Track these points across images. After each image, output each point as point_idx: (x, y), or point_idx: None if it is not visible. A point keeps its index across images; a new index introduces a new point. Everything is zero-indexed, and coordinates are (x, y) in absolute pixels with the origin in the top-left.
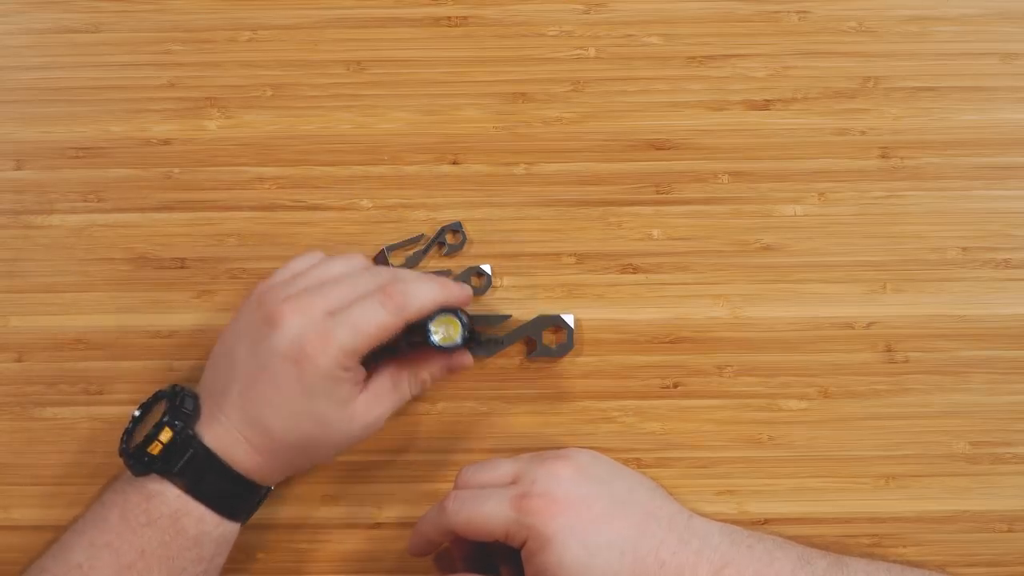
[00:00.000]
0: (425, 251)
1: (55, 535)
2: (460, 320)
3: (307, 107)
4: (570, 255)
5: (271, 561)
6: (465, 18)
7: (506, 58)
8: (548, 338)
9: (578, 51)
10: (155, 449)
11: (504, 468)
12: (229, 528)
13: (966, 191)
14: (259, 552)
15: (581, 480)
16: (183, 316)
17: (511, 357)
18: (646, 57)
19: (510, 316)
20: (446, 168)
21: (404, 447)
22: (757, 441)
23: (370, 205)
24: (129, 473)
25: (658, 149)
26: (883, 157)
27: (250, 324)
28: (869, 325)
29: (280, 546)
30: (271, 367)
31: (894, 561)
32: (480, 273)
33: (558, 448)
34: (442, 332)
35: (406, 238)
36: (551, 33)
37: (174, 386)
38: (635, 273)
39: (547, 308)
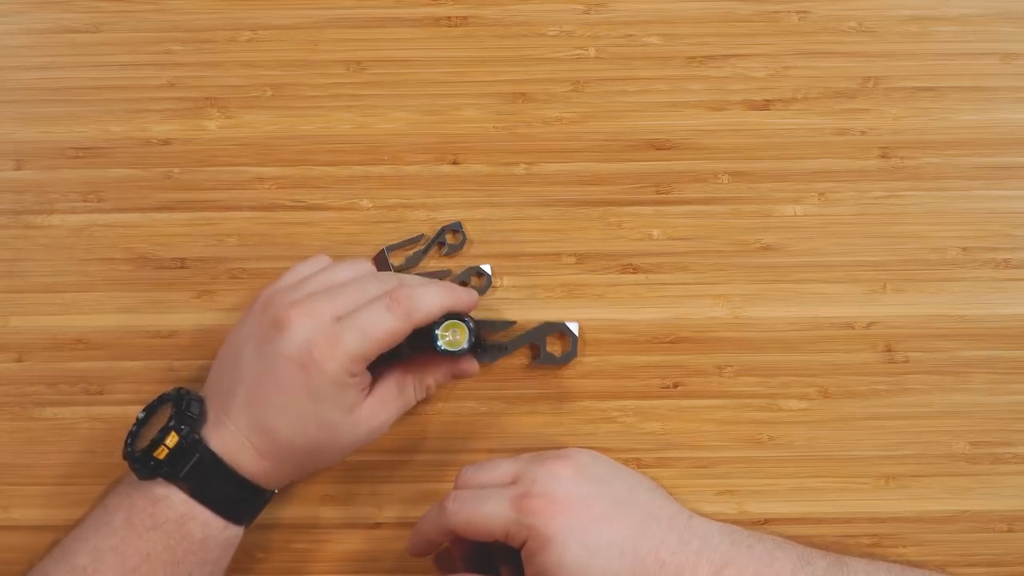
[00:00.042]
0: (425, 251)
1: (55, 535)
2: (467, 325)
3: (307, 107)
4: (570, 255)
5: (271, 561)
6: (465, 18)
7: (506, 58)
8: (552, 345)
9: (578, 51)
10: (161, 453)
11: (504, 468)
12: (234, 532)
13: (966, 191)
14: (259, 552)
15: (581, 480)
16: (183, 316)
17: (512, 358)
18: (646, 57)
19: (515, 322)
20: (446, 168)
21: (404, 447)
22: (757, 441)
23: (370, 205)
24: (133, 476)
25: (658, 149)
26: (883, 157)
27: (257, 327)
28: (869, 325)
29: (280, 546)
30: (278, 371)
31: (894, 561)
32: (480, 273)
33: (558, 448)
34: (449, 337)
35: (406, 238)
36: (551, 33)
37: (179, 389)
38: (635, 273)
39: (547, 308)
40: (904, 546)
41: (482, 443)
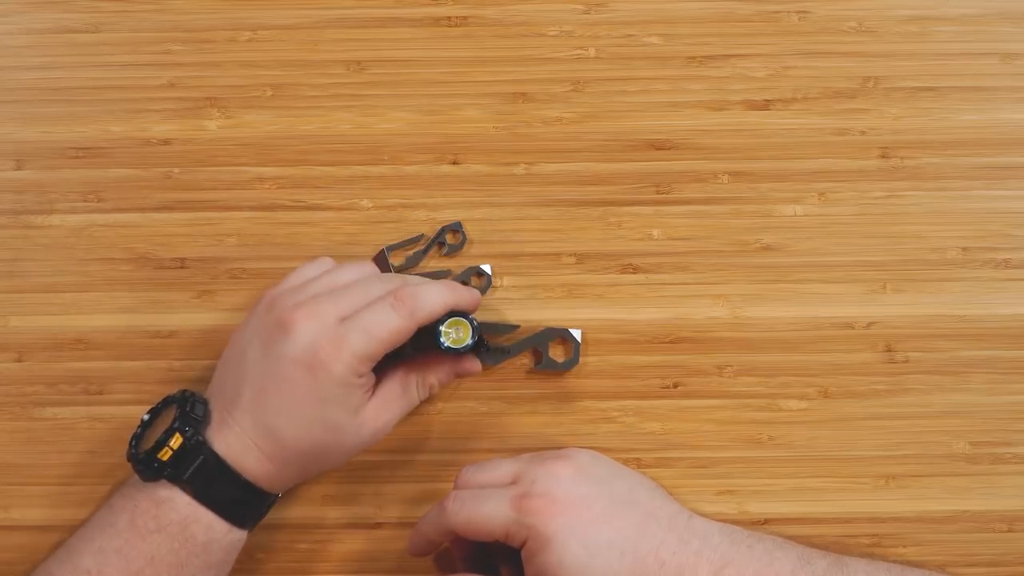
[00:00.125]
0: (425, 251)
1: (55, 536)
2: (470, 323)
3: (307, 107)
4: (570, 255)
5: (271, 561)
6: (465, 18)
7: (506, 58)
8: (555, 351)
9: (578, 51)
10: (165, 455)
11: (504, 468)
12: (237, 536)
13: (966, 191)
14: (259, 552)
15: (581, 480)
16: (183, 316)
17: (513, 359)
18: (646, 57)
19: (519, 326)
20: (446, 168)
21: (405, 447)
22: (757, 441)
23: (370, 205)
24: (137, 478)
25: (658, 149)
26: (883, 157)
27: (261, 329)
28: (869, 325)
29: (280, 546)
30: (283, 373)
31: (894, 561)
32: (480, 273)
33: (558, 448)
34: (452, 335)
35: (406, 238)
36: (551, 33)
37: (184, 391)
38: (635, 273)
39: (547, 308)
40: (904, 546)
41: (482, 443)
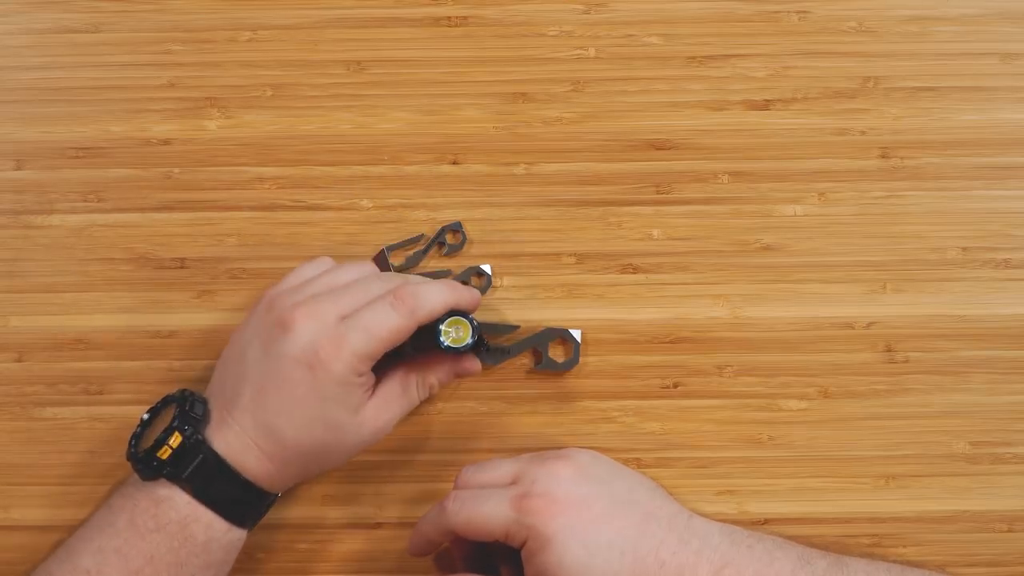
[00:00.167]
0: (425, 251)
1: (55, 536)
2: (470, 322)
3: (307, 107)
4: (570, 255)
5: (271, 561)
6: (465, 18)
7: (506, 58)
8: (555, 351)
9: (578, 51)
10: (164, 454)
11: (504, 468)
12: (237, 535)
13: (966, 191)
14: (259, 552)
15: (581, 480)
16: (183, 316)
17: (514, 360)
18: (646, 57)
19: (519, 327)
20: (446, 168)
21: (405, 447)
22: (757, 441)
23: (370, 205)
24: (137, 477)
25: (658, 149)
26: (883, 157)
27: (261, 328)
28: (869, 325)
29: (280, 546)
30: (284, 372)
31: (894, 561)
32: (480, 273)
33: (558, 448)
34: (452, 334)
35: (406, 238)
36: (551, 33)
37: (183, 390)
38: (635, 273)
39: (547, 308)
40: (904, 546)
41: (482, 443)
